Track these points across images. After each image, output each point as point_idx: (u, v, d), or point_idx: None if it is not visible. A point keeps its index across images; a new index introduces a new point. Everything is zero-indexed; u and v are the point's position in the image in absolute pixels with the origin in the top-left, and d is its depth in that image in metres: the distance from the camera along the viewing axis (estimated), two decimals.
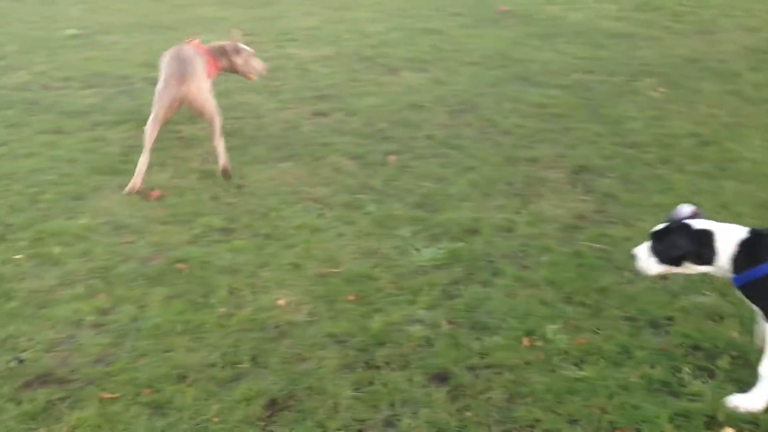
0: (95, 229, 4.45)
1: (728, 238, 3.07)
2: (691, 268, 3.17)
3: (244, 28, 8.54)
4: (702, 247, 3.08)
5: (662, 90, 6.40)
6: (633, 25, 8.25)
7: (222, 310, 3.71)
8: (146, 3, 10.00)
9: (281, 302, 3.79)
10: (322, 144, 5.66)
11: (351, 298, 3.83)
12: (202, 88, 5.19)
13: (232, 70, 5.69)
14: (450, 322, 3.65)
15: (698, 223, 3.15)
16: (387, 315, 3.69)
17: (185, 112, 5.56)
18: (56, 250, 4.19)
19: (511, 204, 4.76)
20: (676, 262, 3.15)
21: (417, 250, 4.27)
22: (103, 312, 3.69)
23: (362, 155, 5.48)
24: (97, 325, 3.59)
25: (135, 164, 5.05)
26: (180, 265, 4.08)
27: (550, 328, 3.55)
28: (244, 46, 5.72)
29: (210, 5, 9.67)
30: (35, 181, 5.00)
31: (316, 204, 4.79)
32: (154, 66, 7.32)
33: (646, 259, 3.20)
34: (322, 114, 6.27)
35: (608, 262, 4.11)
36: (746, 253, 3.02)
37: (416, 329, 3.59)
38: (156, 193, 4.87)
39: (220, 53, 5.58)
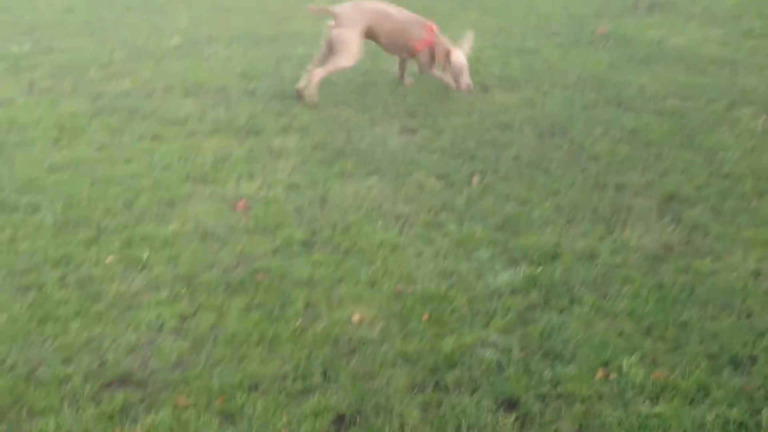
0: (183, 235, 4.60)
1: None
2: None
3: None
4: None
5: (762, 120, 6.17)
6: (737, 51, 7.99)
7: (297, 322, 3.78)
8: (249, 15, 10.29)
9: (355, 318, 3.83)
10: (408, 161, 5.70)
11: (425, 317, 3.85)
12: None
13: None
14: (523, 348, 3.62)
15: None
16: (459, 337, 3.69)
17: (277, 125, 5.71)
18: (145, 254, 4.36)
19: (595, 231, 4.68)
20: None
21: (495, 272, 4.25)
22: (184, 318, 3.81)
23: (447, 174, 5.48)
24: (177, 331, 3.72)
25: (227, 173, 5.25)
26: (260, 276, 4.17)
27: (627, 361, 3.48)
28: (458, 60, 6.90)
29: (309, 19, 9.85)
30: (131, 186, 5.21)
31: (397, 221, 4.82)
32: (251, 77, 7.58)
33: None
34: (410, 131, 6.31)
35: (692, 296, 3.99)
36: None
37: (488, 353, 3.57)
38: (242, 203, 5.01)
39: (439, 46, 6.96)
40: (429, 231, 4.71)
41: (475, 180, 5.40)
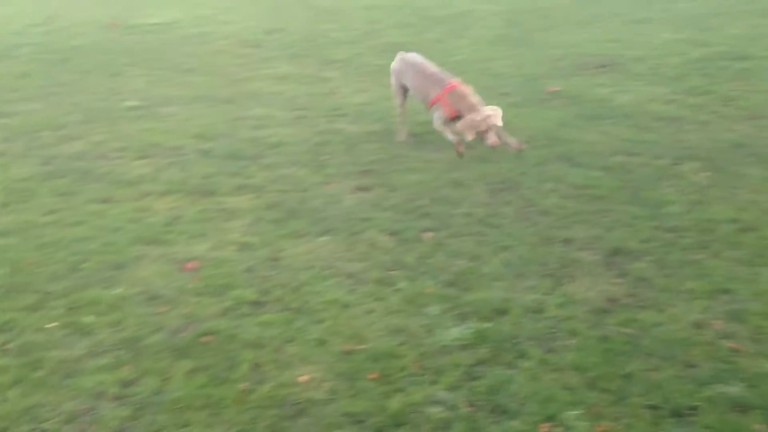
0: (130, 298, 4.57)
1: None
2: None
3: (298, 104, 8.85)
4: None
5: (706, 174, 6.32)
6: (682, 108, 8.19)
7: (243, 385, 3.75)
8: (205, 77, 10.36)
9: (303, 378, 3.81)
10: (361, 219, 5.73)
11: (373, 376, 3.84)
12: None
13: None
14: (470, 405, 3.62)
15: None
16: (407, 395, 3.69)
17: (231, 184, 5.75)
18: (89, 319, 4.31)
19: (543, 285, 4.73)
20: None
21: (445, 328, 4.26)
22: (126, 384, 3.76)
23: (399, 231, 5.52)
24: (118, 398, 3.66)
25: (178, 234, 5.26)
26: (207, 338, 4.14)
27: (571, 414, 3.49)
28: (472, 117, 6.94)
29: (266, 80, 9.97)
30: (79, 250, 5.17)
31: (348, 279, 4.84)
32: (207, 137, 7.61)
33: None
34: (364, 189, 6.35)
35: (636, 348, 4.04)
36: None
37: (435, 411, 3.58)
38: (192, 264, 4.99)
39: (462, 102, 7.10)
40: (380, 288, 4.73)
41: (427, 236, 5.45)
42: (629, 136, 7.40)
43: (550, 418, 3.49)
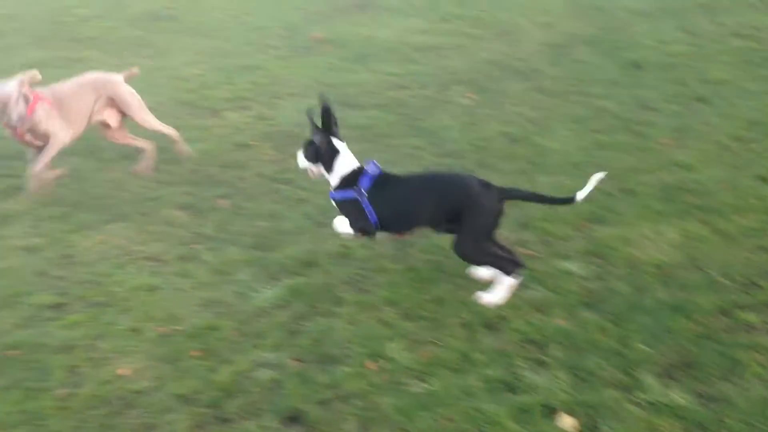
0: None
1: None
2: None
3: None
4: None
5: (471, 96, 6.70)
6: (438, 36, 8.59)
7: (61, 391, 3.59)
8: None
9: (124, 371, 3.71)
10: (150, 199, 5.56)
11: (195, 353, 3.81)
12: None
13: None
14: (297, 360, 3.70)
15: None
16: (233, 365, 3.70)
17: None
18: None
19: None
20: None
21: (257, 292, 4.29)
22: None
23: (193, 204, 5.43)
24: None
25: None
26: (12, 352, 3.90)
27: (392, 347, 3.67)
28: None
29: (15, 70, 9.28)
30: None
31: (149, 262, 4.71)
32: None
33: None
34: (147, 168, 6.14)
35: (441, 273, 4.28)
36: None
37: (264, 373, 3.62)
38: None
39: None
40: (184, 265, 4.66)
41: (223, 203, 5.40)
42: (396, 71, 7.66)
43: (374, 356, 3.64)
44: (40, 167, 5.62)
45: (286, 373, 3.61)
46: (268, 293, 4.26)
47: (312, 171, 4.40)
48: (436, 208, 3.92)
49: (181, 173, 5.94)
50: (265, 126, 6.79)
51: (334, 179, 4.26)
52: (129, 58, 9.36)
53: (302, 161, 4.40)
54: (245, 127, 6.79)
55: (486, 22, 8.88)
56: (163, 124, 6.19)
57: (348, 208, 4.15)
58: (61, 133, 5.68)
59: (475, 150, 5.69)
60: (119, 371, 3.71)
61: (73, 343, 3.96)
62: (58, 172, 5.79)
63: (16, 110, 5.46)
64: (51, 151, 5.65)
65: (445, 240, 4.59)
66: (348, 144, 4.31)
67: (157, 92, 7.82)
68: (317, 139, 4.28)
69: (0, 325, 4.17)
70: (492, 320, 3.83)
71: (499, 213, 3.90)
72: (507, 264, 3.89)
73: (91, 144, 6.64)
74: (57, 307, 4.32)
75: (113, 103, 5.95)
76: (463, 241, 3.90)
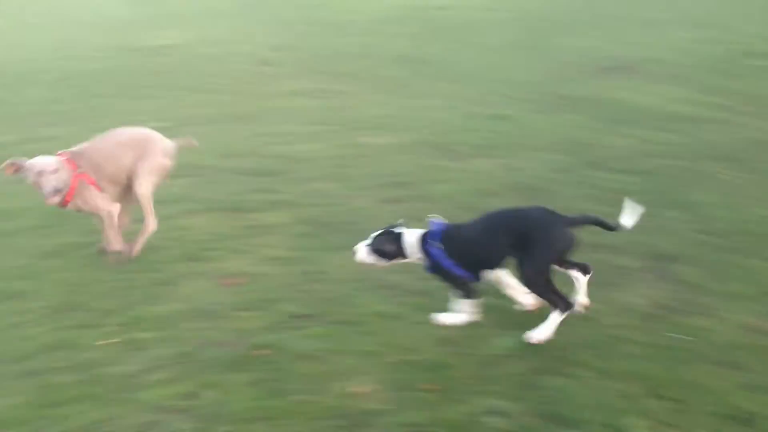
0: (179, 315, 4.59)
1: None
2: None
3: (315, 118, 8.86)
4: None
5: (727, 172, 6.32)
6: (700, 107, 8.19)
7: (298, 397, 3.76)
8: (222, 96, 10.37)
9: (357, 389, 3.82)
10: None
11: (426, 386, 3.84)
12: None
13: None
14: (527, 415, 3.62)
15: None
16: (463, 404, 3.70)
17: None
18: (143, 335, 4.35)
19: (593, 294, 4.71)
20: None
21: (495, 337, 4.26)
22: (186, 397, 3.78)
23: None
24: (181, 411, 3.68)
25: (219, 251, 5.29)
26: (258, 352, 4.16)
27: (628, 422, 3.50)
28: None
29: (285, 96, 10.01)
30: (126, 269, 5.23)
31: (390, 290, 4.83)
32: (232, 155, 7.60)
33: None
34: (394, 201, 6.34)
35: (696, 354, 4.05)
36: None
37: (493, 420, 3.59)
38: (234, 280, 5.00)
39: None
40: (423, 299, 4.70)
41: None
42: (650, 137, 7.40)
43: (609, 426, 3.49)
44: (113, 248, 5.36)
45: (515, 423, 3.55)
46: (507, 342, 4.22)
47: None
48: (509, 240, 4.15)
49: (426, 210, 6.06)
50: (511, 176, 6.79)
51: (414, 254, 4.46)
52: (382, 96, 9.84)
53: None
54: (490, 175, 6.82)
55: (754, 98, 8.37)
56: (151, 208, 5.46)
57: (442, 272, 4.37)
58: (107, 207, 5.29)
59: (740, 233, 5.35)
60: (353, 388, 3.82)
61: (314, 354, 4.14)
62: (132, 246, 5.41)
63: (50, 183, 5.01)
64: (109, 230, 5.32)
65: (697, 321, 4.34)
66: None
67: (409, 132, 8.11)
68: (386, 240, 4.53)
69: (250, 324, 4.46)
70: (744, 415, 3.54)
71: (569, 240, 4.18)
72: (559, 301, 4.15)
73: (339, 172, 6.99)
74: (302, 317, 4.54)
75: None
76: (527, 266, 4.15)
